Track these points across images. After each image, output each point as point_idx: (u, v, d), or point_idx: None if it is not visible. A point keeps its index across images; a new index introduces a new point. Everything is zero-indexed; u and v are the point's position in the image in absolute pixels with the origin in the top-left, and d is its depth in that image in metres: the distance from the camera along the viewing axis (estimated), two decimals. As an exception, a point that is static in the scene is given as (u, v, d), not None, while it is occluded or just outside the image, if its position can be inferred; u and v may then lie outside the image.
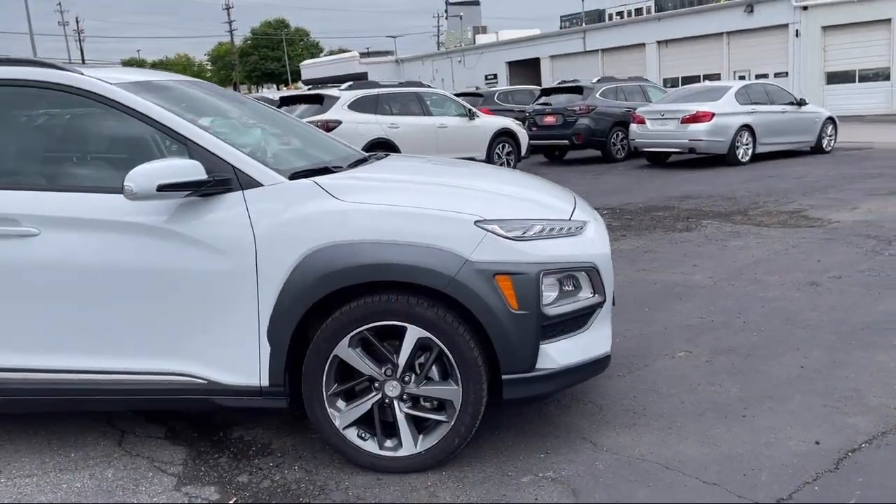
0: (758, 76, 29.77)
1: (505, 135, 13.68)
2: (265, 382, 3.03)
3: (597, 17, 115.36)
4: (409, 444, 3.02)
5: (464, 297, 2.87)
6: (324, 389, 3.01)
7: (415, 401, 3.04)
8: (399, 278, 2.88)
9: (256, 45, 74.97)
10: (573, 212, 3.33)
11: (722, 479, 2.84)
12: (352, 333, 2.95)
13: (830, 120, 15.23)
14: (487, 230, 2.93)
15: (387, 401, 3.03)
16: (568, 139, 15.35)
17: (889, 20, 27.97)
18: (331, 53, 74.47)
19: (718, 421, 3.35)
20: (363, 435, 3.06)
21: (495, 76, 42.15)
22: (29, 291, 3.06)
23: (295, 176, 3.13)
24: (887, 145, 16.10)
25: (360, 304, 2.93)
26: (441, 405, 3.04)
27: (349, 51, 65.57)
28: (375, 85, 12.48)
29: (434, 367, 3.00)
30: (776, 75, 29.77)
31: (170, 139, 3.13)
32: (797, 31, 30.27)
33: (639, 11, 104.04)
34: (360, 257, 2.88)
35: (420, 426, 3.05)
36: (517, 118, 15.30)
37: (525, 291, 2.89)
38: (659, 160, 14.73)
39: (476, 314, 2.88)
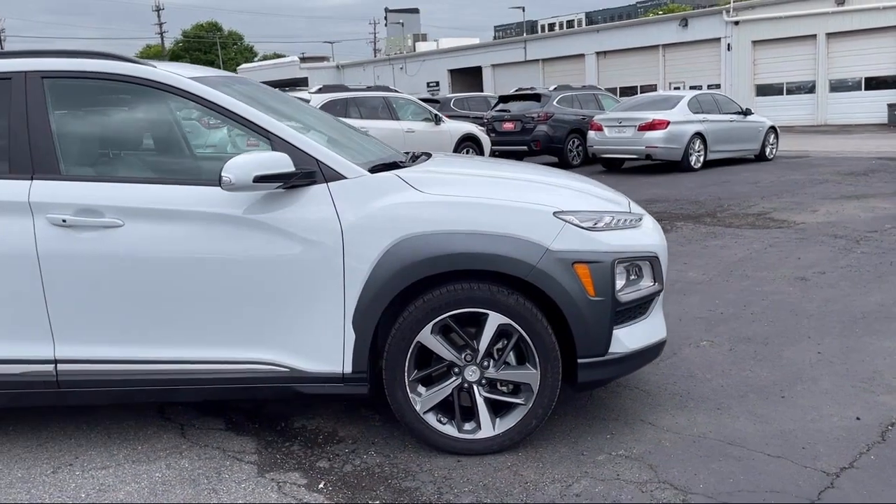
0: (692, 87, 30.86)
1: (469, 140, 13.92)
2: (348, 369, 3.11)
3: (529, 28, 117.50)
4: (488, 427, 3.14)
5: (545, 285, 3.01)
6: (406, 375, 3.11)
7: (491, 385, 3.17)
8: (485, 267, 3.01)
9: (188, 48, 73.34)
10: (629, 205, 3.52)
11: (785, 452, 3.07)
12: (435, 320, 3.06)
13: (773, 129, 16.01)
14: (566, 221, 3.09)
15: (465, 385, 3.15)
16: (527, 145, 15.69)
17: (814, 36, 29.48)
18: (265, 58, 73.46)
19: (761, 401, 3.58)
20: (442, 419, 3.17)
21: (437, 83, 42.45)
22: (113, 283, 3.06)
23: (375, 169, 3.22)
24: (822, 154, 17.01)
25: (444, 291, 3.04)
26: (516, 388, 3.18)
27: (284, 55, 64.97)
28: (345, 89, 12.54)
29: (510, 353, 3.14)
30: (709, 87, 30.88)
31: (253, 133, 3.17)
32: (729, 44, 31.58)
33: (570, 24, 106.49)
34: (447, 247, 3.00)
35: (495, 409, 3.18)
36: (477, 124, 15.56)
37: (601, 279, 3.06)
38: (614, 166, 15.20)
39: (556, 301, 3.03)
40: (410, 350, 3.09)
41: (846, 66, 29.31)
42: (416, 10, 56.39)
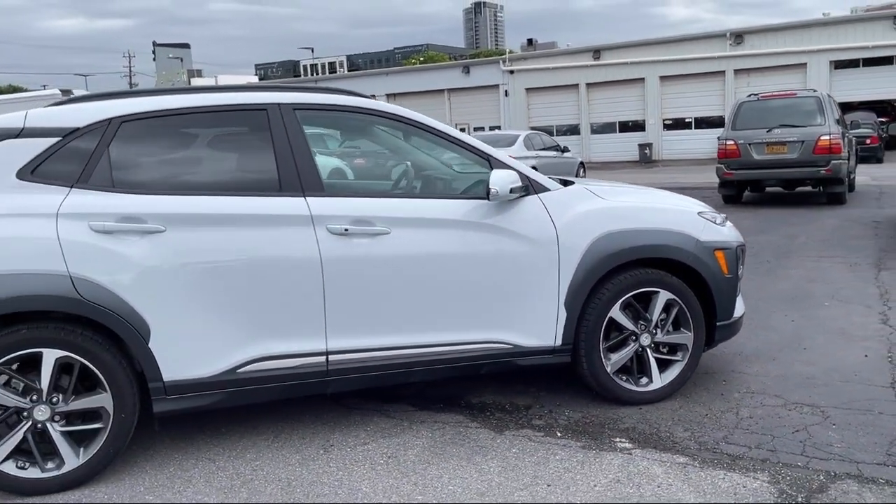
0: (476, 129, 33.71)
1: (335, 174, 14.55)
2: (558, 342, 3.89)
3: (291, 68, 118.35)
4: (657, 380, 4.07)
5: (699, 267, 4.04)
6: (601, 344, 3.95)
7: (656, 347, 4.10)
8: (661, 255, 3.97)
9: None
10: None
11: (847, 378, 4.34)
12: (622, 299, 3.95)
13: (582, 164, 18.48)
14: (706, 218, 4.16)
15: (639, 349, 4.06)
16: (377, 179, 16.60)
17: (577, 85, 33.70)
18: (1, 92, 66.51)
19: (795, 352, 4.87)
20: (622, 377, 4.04)
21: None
22: (379, 281, 3.57)
23: (563, 184, 4.06)
24: (617, 186, 19.84)
25: (629, 275, 3.95)
26: (672, 349, 4.14)
27: (23, 88, 59.66)
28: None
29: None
30: (491, 128, 33.91)
31: (473, 155, 3.87)
32: (506, 91, 34.98)
33: (332, 66, 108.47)
34: (635, 241, 3.93)
35: (658, 366, 4.12)
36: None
37: (731, 261, 4.16)
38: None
39: (706, 279, 4.06)
40: (604, 324, 3.95)
41: (604, 111, 33.83)
42: (186, 45, 54.82)
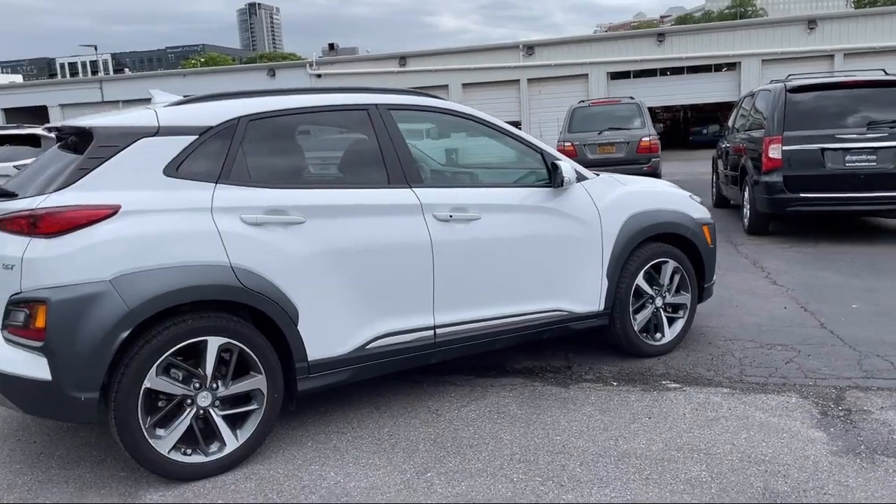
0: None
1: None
2: (600, 308, 4.58)
3: (46, 65, 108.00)
4: (668, 335, 4.90)
5: (695, 240, 4.93)
6: (630, 307, 4.70)
7: (664, 308, 4.93)
8: (673, 231, 4.81)
9: None
10: (678, 194, 5.60)
11: (788, 324, 5.45)
12: (644, 269, 4.74)
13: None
14: (694, 200, 5.06)
15: (655, 310, 4.86)
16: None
17: (384, 90, 34.57)
18: None
19: (733, 310, 5.95)
20: (644, 334, 4.82)
21: (-8, 123, 37.45)
22: (474, 260, 4.03)
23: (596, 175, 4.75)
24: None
25: (648, 248, 4.74)
26: (675, 308, 4.99)
27: None
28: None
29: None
30: (298, 132, 33.66)
31: (531, 150, 4.44)
32: (313, 94, 34.94)
33: (94, 64, 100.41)
34: (656, 219, 4.73)
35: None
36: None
37: (713, 234, 5.10)
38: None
39: (700, 249, 4.97)
40: (632, 291, 4.70)
41: (409, 116, 34.97)
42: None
